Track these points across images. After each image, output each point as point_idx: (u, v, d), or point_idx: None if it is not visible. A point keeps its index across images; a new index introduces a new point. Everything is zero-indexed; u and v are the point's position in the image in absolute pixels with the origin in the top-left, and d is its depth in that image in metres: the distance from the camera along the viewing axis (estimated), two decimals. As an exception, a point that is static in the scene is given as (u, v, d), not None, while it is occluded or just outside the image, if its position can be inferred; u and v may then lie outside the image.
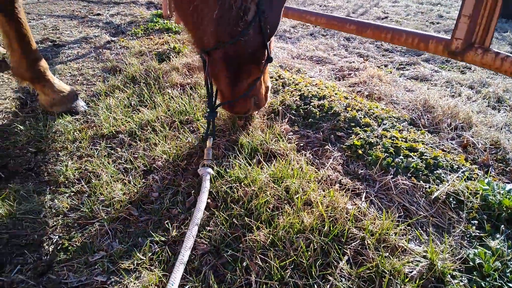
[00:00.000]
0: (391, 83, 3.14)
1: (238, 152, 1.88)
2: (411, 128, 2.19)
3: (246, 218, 1.44)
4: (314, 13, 2.38)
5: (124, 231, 1.46)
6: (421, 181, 1.64)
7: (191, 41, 1.54)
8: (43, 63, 2.37)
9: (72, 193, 1.70)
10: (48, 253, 1.36)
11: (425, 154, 1.81)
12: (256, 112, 2.24)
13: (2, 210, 1.53)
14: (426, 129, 2.21)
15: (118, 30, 4.98)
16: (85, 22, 5.52)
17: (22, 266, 1.31)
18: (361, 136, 1.94)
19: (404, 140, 1.93)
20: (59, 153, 2.01)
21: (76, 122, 2.34)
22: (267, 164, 1.80)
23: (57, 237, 1.44)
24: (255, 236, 1.35)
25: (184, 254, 1.23)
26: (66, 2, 7.49)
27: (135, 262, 1.31)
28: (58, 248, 1.38)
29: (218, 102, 1.84)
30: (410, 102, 2.60)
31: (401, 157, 1.77)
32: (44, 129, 2.21)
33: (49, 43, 4.12)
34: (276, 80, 2.86)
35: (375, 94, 2.80)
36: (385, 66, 3.95)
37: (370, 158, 1.78)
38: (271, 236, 1.35)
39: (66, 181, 1.77)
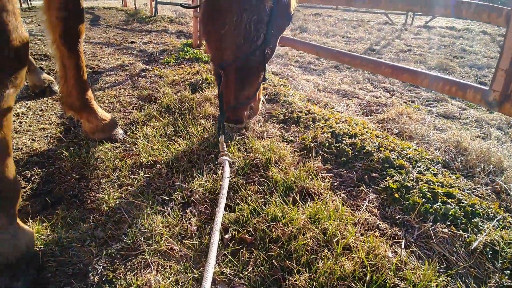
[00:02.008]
0: (421, 121, 3.15)
1: (274, 189, 1.91)
2: (445, 171, 2.17)
3: (286, 260, 1.45)
4: (348, 54, 2.47)
5: (165, 265, 1.50)
6: (460, 230, 1.62)
7: (211, 58, 1.96)
8: (90, 93, 2.53)
9: (114, 222, 1.76)
10: (94, 284, 1.41)
11: (462, 201, 1.79)
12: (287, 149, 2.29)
13: (51, 237, 1.60)
14: (460, 173, 2.19)
15: (151, 58, 5.26)
16: (120, 49, 5.86)
17: (69, 296, 1.36)
18: (396, 179, 1.95)
19: (440, 184, 1.92)
20: (101, 180, 2.10)
21: (115, 150, 2.45)
22: (302, 203, 1.82)
23: (101, 267, 1.49)
24: (295, 280, 1.36)
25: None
26: (102, 29, 8.01)
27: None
28: (103, 279, 1.43)
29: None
30: (442, 143, 2.59)
31: (439, 203, 1.76)
32: (86, 155, 2.33)
33: (89, 70, 4.39)
34: (306, 114, 2.92)
35: (406, 132, 2.81)
36: (412, 101, 3.97)
37: (407, 202, 1.78)
38: (311, 281, 1.35)
39: (108, 210, 1.84)
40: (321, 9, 16.43)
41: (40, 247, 1.54)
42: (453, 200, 1.80)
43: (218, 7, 1.72)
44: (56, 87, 3.48)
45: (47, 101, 3.33)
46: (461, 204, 1.77)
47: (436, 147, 2.56)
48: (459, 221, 1.68)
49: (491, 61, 6.60)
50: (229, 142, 2.46)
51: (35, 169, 2.19)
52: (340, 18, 13.38)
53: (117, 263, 1.51)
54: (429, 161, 2.23)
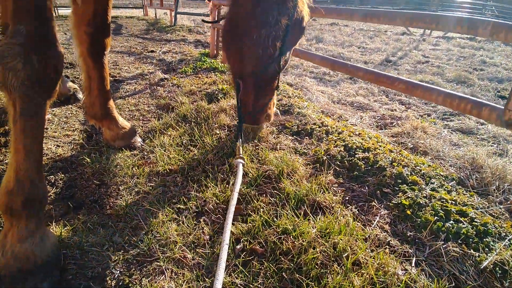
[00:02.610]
0: (436, 136, 3.12)
1: (285, 201, 1.95)
2: (459, 188, 2.15)
3: (295, 273, 1.48)
4: (362, 68, 2.50)
5: (179, 273, 1.56)
6: (471, 249, 1.61)
7: (230, 70, 2.12)
8: (111, 103, 2.66)
9: (131, 228, 1.84)
10: (111, 288, 1.48)
11: (475, 219, 1.77)
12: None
13: (72, 241, 1.69)
14: (475, 190, 2.16)
15: (170, 68, 5.43)
16: (141, 58, 6.07)
17: (88, 298, 1.43)
18: (409, 195, 1.95)
19: (454, 202, 1.91)
20: (120, 187, 2.19)
21: (134, 157, 2.55)
22: (313, 216, 1.85)
23: (118, 272, 1.56)
24: (304, 294, 1.38)
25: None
26: (124, 38, 8.32)
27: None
28: (120, 284, 1.50)
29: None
30: (457, 159, 2.56)
31: (451, 221, 1.75)
32: (107, 162, 2.43)
33: (111, 78, 4.57)
34: (319, 127, 2.96)
35: (420, 147, 2.80)
36: (428, 115, 3.94)
37: (419, 220, 1.78)
38: (320, 295, 1.37)
39: (126, 216, 1.92)
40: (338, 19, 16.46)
41: (63, 251, 1.63)
42: (465, 219, 1.78)
43: (240, 24, 1.83)
44: (80, 95, 3.65)
45: (71, 108, 3.50)
46: (474, 222, 1.76)
47: (451, 164, 2.54)
48: (470, 240, 1.67)
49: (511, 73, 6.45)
50: (244, 147, 2.52)
51: (59, 174, 2.31)
52: (357, 28, 13.37)
53: (133, 269, 1.58)
54: (443, 178, 2.21)
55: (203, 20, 2.90)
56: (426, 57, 7.97)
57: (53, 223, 1.83)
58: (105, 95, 2.55)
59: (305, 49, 8.10)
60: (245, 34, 1.81)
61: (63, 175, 2.30)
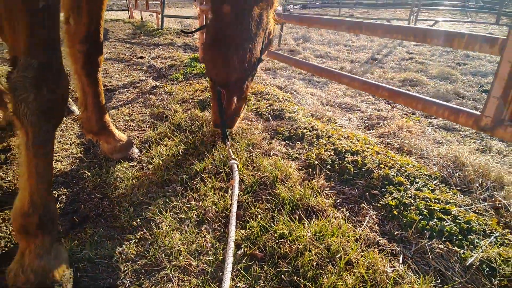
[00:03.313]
0: (421, 135, 3.29)
1: (281, 207, 2.07)
2: (443, 186, 2.31)
3: (293, 275, 1.61)
4: (348, 76, 2.64)
5: (185, 279, 1.67)
6: (455, 246, 1.76)
7: (211, 79, 2.27)
8: (107, 117, 2.73)
9: (136, 240, 1.94)
10: (122, 298, 1.58)
11: (458, 217, 1.93)
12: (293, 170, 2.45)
13: (82, 255, 1.78)
14: (458, 188, 2.33)
15: (160, 74, 5.48)
16: (130, 65, 6.09)
17: (101, 309, 1.53)
18: (395, 196, 2.10)
19: (437, 201, 2.06)
20: (122, 199, 2.28)
21: (132, 169, 2.64)
22: (308, 220, 1.98)
23: (128, 282, 1.66)
24: (303, 294, 1.51)
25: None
26: (111, 44, 8.28)
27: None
28: (131, 294, 1.60)
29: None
30: (440, 158, 2.73)
31: (435, 219, 1.90)
32: (107, 175, 2.51)
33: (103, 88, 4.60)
34: (310, 131, 3.09)
35: (405, 147, 2.96)
36: (413, 113, 4.11)
37: (405, 219, 1.92)
38: (317, 294, 1.50)
39: (130, 228, 2.02)
40: (324, 15, 16.63)
41: (74, 264, 1.71)
42: (449, 217, 1.94)
43: (221, 37, 1.95)
44: (74, 107, 3.69)
45: (66, 120, 3.54)
46: (457, 220, 1.91)
47: (434, 162, 2.70)
48: (454, 237, 1.82)
49: (496, 66, 6.69)
50: (239, 155, 2.63)
51: (61, 189, 2.38)
52: (343, 25, 13.55)
53: (142, 278, 1.68)
54: (427, 177, 2.37)
55: (181, 31, 3.01)
56: (410, 53, 8.19)
57: (63, 238, 1.91)
58: (101, 109, 2.62)
59: (293, 48, 8.23)
60: (227, 46, 1.97)
61: (65, 190, 2.37)
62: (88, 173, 2.52)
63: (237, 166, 2.33)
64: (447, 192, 2.23)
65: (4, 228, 2.01)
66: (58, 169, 2.61)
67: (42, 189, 1.44)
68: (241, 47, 1.97)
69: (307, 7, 24.73)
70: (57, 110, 1.40)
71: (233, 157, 2.42)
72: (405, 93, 2.19)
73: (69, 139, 3.13)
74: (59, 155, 2.83)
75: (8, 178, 2.49)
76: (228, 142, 2.49)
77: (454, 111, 1.91)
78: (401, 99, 2.15)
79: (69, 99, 3.80)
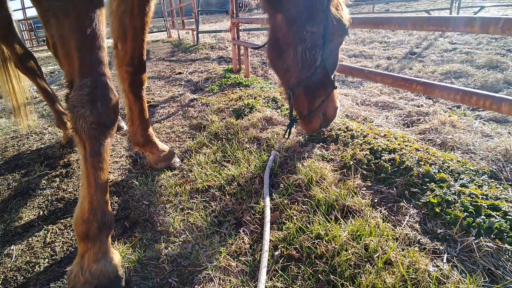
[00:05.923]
0: (467, 129, 3.09)
1: (316, 208, 2.09)
2: (492, 181, 2.16)
3: (330, 274, 1.62)
4: (380, 73, 2.58)
5: (226, 279, 1.75)
6: (506, 244, 1.64)
7: (279, 82, 2.31)
8: (151, 130, 2.96)
9: (180, 242, 2.07)
10: (169, 296, 1.70)
11: (509, 213, 1.79)
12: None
13: (133, 256, 1.96)
14: (509, 183, 2.16)
15: (197, 87, 5.76)
16: (170, 81, 6.49)
17: (151, 305, 1.66)
18: (437, 193, 2.00)
19: (484, 197, 1.93)
20: (166, 205, 2.45)
21: (175, 177, 2.82)
22: (344, 220, 1.97)
23: (174, 281, 1.79)
24: (340, 293, 1.51)
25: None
26: (153, 63, 8.87)
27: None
28: (177, 292, 1.72)
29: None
30: (489, 152, 2.54)
31: (483, 216, 1.79)
32: (152, 184, 2.72)
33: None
34: (344, 132, 3.05)
35: (449, 142, 2.80)
36: (458, 107, 3.86)
37: (448, 217, 1.83)
38: (355, 293, 1.50)
39: (174, 231, 2.17)
40: (358, 14, 16.22)
41: (126, 265, 1.89)
42: (498, 213, 1.81)
43: (279, 44, 2.06)
44: (122, 123, 4.04)
45: (116, 136, 3.88)
46: (507, 216, 1.78)
47: (482, 157, 2.52)
48: (505, 234, 1.69)
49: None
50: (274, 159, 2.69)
51: (113, 197, 2.63)
52: (378, 22, 13.09)
53: (186, 278, 1.80)
54: (474, 173, 2.23)
55: (253, 47, 3.29)
56: (453, 44, 7.68)
57: (116, 242, 2.11)
58: (145, 124, 2.86)
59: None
60: (284, 52, 2.04)
61: (117, 198, 2.61)
62: (136, 182, 2.75)
63: (275, 157, 2.67)
64: (497, 188, 2.07)
65: (66, 234, 2.27)
66: (111, 180, 2.88)
67: (100, 198, 1.63)
68: (295, 51, 2.00)
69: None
70: (110, 122, 1.59)
71: (279, 148, 2.81)
72: (440, 85, 2.10)
73: (119, 153, 3.44)
74: (111, 168, 3.11)
75: (69, 190, 2.81)
76: (286, 138, 2.80)
77: (496, 100, 1.79)
78: (438, 91, 2.06)
79: (119, 116, 4.18)
